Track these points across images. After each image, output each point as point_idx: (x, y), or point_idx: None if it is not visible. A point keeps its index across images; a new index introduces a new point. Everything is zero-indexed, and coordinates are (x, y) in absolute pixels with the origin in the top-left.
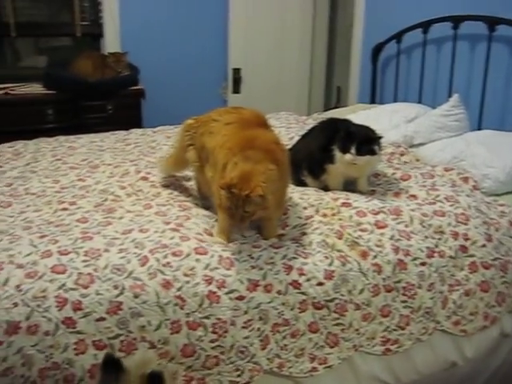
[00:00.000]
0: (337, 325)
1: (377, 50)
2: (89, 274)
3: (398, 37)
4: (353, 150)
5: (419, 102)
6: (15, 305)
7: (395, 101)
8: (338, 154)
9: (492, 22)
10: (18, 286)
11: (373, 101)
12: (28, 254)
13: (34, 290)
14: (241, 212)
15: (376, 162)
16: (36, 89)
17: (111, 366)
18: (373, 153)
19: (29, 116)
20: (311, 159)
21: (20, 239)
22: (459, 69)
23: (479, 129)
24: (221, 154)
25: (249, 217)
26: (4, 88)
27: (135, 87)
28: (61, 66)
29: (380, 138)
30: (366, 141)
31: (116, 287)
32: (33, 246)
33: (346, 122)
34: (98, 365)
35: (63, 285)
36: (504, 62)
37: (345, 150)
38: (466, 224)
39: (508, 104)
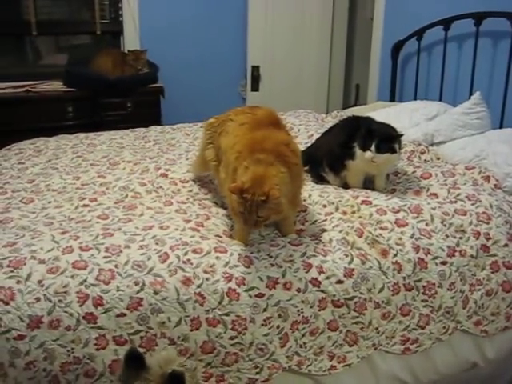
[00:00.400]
0: (356, 323)
1: (397, 47)
2: (110, 269)
3: (418, 34)
4: (373, 148)
5: (440, 99)
6: (37, 299)
7: (415, 99)
8: (358, 151)
9: None
10: (40, 281)
11: (392, 99)
12: (50, 250)
13: (55, 285)
14: (254, 217)
15: (395, 160)
16: (56, 86)
17: (134, 361)
18: (393, 151)
19: (49, 113)
20: (332, 155)
21: (42, 235)
22: (481, 66)
23: (501, 127)
24: (231, 156)
25: (263, 221)
26: (25, 85)
27: (154, 85)
28: (81, 63)
29: (400, 135)
30: (386, 139)
31: (136, 283)
32: (54, 242)
33: (368, 119)
34: (119, 360)
35: (84, 280)
36: None
37: (365, 148)
38: (487, 223)
39: None
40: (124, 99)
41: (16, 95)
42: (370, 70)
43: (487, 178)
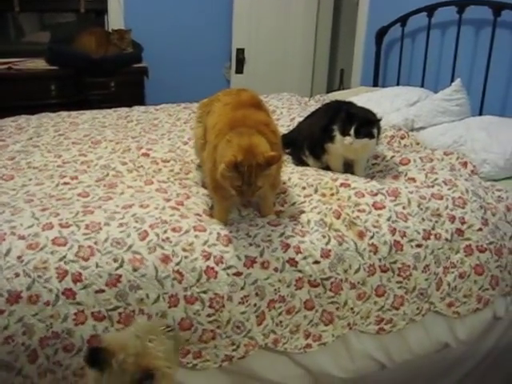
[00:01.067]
0: (332, 303)
1: (381, 33)
2: (89, 246)
3: (402, 20)
4: (352, 132)
5: (422, 86)
6: (16, 275)
7: (398, 84)
8: (337, 135)
9: (497, 7)
10: (19, 257)
11: (375, 84)
12: (30, 226)
13: (35, 261)
14: (252, 188)
15: (373, 146)
16: (39, 64)
17: (95, 356)
18: (371, 136)
19: (32, 91)
20: (312, 139)
21: (22, 211)
22: (463, 54)
23: (481, 114)
24: (212, 135)
25: (258, 189)
26: (7, 63)
27: (138, 65)
28: (64, 41)
29: (379, 120)
30: (365, 123)
31: (116, 260)
32: (34, 219)
33: (349, 104)
34: (97, 335)
35: (64, 257)
36: (508, 48)
37: (344, 133)
38: (463, 208)
39: (510, 90)
40: (107, 79)
41: None
42: (354, 55)
43: (464, 164)
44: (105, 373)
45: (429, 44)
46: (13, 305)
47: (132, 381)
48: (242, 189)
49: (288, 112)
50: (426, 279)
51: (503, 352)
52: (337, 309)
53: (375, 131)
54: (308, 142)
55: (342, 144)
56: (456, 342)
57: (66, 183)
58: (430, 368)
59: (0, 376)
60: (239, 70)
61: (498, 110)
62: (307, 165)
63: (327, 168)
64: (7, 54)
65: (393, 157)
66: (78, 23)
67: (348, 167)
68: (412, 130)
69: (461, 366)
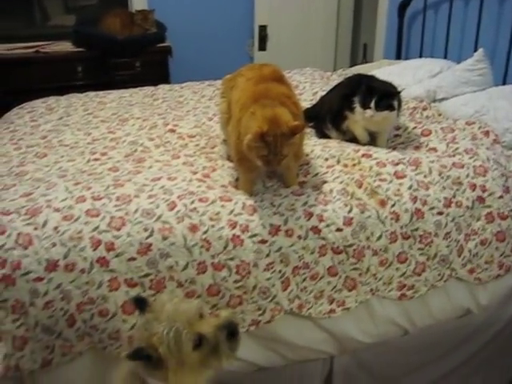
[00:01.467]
0: (355, 269)
1: (403, 5)
2: (120, 217)
3: None
4: (372, 105)
5: (445, 57)
6: (53, 245)
7: (421, 57)
8: (358, 108)
9: None
10: (55, 228)
11: (398, 57)
12: (64, 199)
13: (70, 231)
14: (278, 157)
15: (394, 118)
16: (66, 47)
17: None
18: (392, 108)
19: (59, 73)
20: (333, 111)
21: (56, 186)
22: (486, 24)
23: (504, 84)
24: (236, 109)
25: (283, 158)
26: (34, 46)
27: (162, 44)
28: (89, 24)
29: (399, 92)
30: (385, 96)
31: (146, 230)
32: (68, 192)
33: (370, 77)
34: (130, 301)
35: (97, 227)
36: None
37: (365, 106)
38: (484, 176)
39: None
40: (132, 59)
41: (26, 55)
42: (377, 29)
43: (486, 133)
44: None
45: (451, 15)
46: (51, 272)
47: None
48: (268, 158)
49: (311, 86)
50: (447, 246)
51: None
52: (359, 275)
53: (395, 103)
54: (329, 115)
55: (363, 117)
56: (478, 308)
57: (96, 159)
58: (452, 334)
59: (42, 338)
60: (262, 47)
61: None
62: (330, 138)
63: (349, 140)
64: (33, 37)
65: (414, 128)
66: (102, 5)
67: (371, 140)
68: (434, 101)
69: (483, 332)
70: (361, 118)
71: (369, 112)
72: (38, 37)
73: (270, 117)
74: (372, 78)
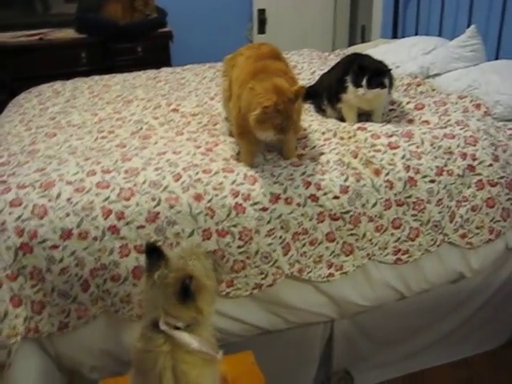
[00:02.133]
0: (351, 235)
1: None
2: (129, 188)
3: None
4: (364, 83)
5: (439, 35)
6: (67, 214)
7: (417, 35)
8: (350, 86)
9: None
10: (68, 199)
11: (395, 37)
12: (75, 173)
13: (82, 202)
14: (290, 122)
15: (386, 95)
16: (69, 34)
17: (153, 253)
18: (383, 86)
19: (63, 59)
20: (330, 89)
21: (67, 162)
22: (479, 2)
23: (497, 59)
24: (236, 86)
25: (293, 123)
26: (38, 34)
27: (163, 29)
28: (91, 10)
29: (389, 70)
30: (376, 73)
31: (153, 199)
32: (79, 167)
33: (364, 56)
34: (140, 266)
35: (107, 198)
36: None
37: (357, 84)
38: (474, 145)
39: None
40: (134, 44)
41: (30, 43)
42: (373, 9)
43: (478, 106)
44: (154, 275)
45: None
46: (65, 240)
47: (174, 286)
48: (282, 126)
49: (309, 66)
50: (440, 212)
51: None
52: (356, 240)
53: (386, 81)
54: (326, 92)
55: (356, 95)
56: (470, 272)
57: (103, 137)
58: (448, 299)
59: (58, 303)
60: (261, 31)
61: None
62: (326, 113)
63: (342, 119)
64: (36, 25)
65: (408, 103)
66: None
67: (366, 119)
68: (428, 77)
69: (477, 296)
70: (353, 96)
71: (361, 90)
72: (39, 25)
73: (273, 87)
74: (366, 56)
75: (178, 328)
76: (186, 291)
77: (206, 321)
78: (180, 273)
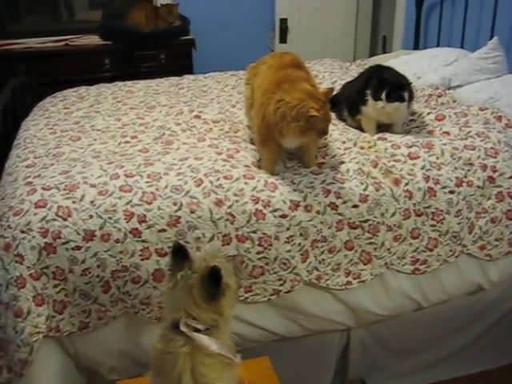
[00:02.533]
0: (370, 244)
1: None
2: (151, 192)
3: None
4: (383, 97)
5: (461, 47)
6: (90, 216)
7: (438, 47)
8: (370, 100)
9: None
10: (92, 202)
11: (416, 48)
12: (99, 176)
13: (105, 204)
14: (329, 122)
15: (405, 109)
16: (93, 40)
17: (178, 253)
18: (402, 99)
19: (88, 65)
20: (350, 100)
21: (91, 165)
22: (502, 13)
23: None
24: (258, 94)
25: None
26: (64, 40)
27: (186, 37)
28: (115, 17)
29: (409, 84)
30: (395, 87)
31: (175, 204)
32: (102, 170)
33: (385, 69)
34: (161, 269)
35: (130, 201)
36: None
37: (376, 97)
38: (494, 157)
39: None
40: (157, 51)
41: (56, 49)
42: (395, 20)
43: (499, 118)
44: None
45: (468, 4)
46: (88, 242)
47: (200, 283)
48: (324, 128)
49: (330, 76)
50: (459, 223)
51: None
52: (374, 249)
53: (406, 95)
54: (347, 103)
55: (375, 108)
56: (488, 284)
57: (127, 142)
58: (465, 310)
59: (80, 303)
60: (283, 40)
61: None
62: (346, 122)
63: (362, 129)
64: (61, 32)
65: (429, 113)
66: (126, 1)
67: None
68: (449, 88)
69: (495, 309)
70: (372, 109)
71: (380, 103)
72: (65, 32)
73: (306, 94)
74: (387, 69)
75: (197, 330)
76: (215, 282)
77: (226, 324)
78: (204, 271)
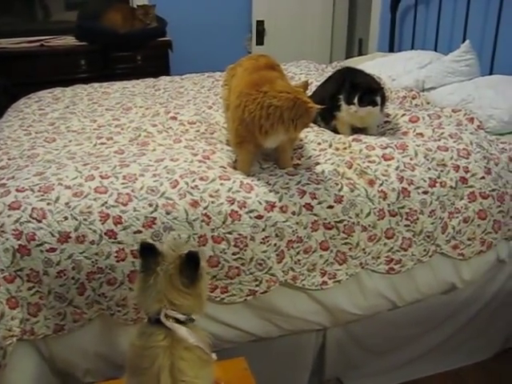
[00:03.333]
0: (345, 244)
1: (396, 0)
2: (127, 193)
3: None
4: (355, 101)
5: (435, 50)
6: (65, 218)
7: (412, 50)
8: (343, 104)
9: None
10: (67, 203)
11: (391, 50)
12: (74, 178)
13: (80, 206)
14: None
15: (378, 113)
16: (69, 41)
17: (147, 251)
18: (374, 104)
19: (63, 66)
20: (323, 105)
21: (66, 166)
22: (474, 17)
23: (491, 74)
24: (234, 96)
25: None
26: (39, 40)
27: (163, 38)
28: (91, 18)
29: (382, 88)
30: (368, 92)
31: (151, 205)
32: (77, 172)
33: (357, 72)
34: (136, 271)
35: (105, 202)
36: None
37: (349, 102)
38: (467, 158)
39: None
40: (134, 52)
41: (31, 49)
42: (371, 23)
43: (471, 120)
44: (150, 275)
45: (441, 9)
46: (63, 244)
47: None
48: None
49: (306, 77)
50: (432, 223)
51: (509, 295)
52: (350, 249)
53: (378, 99)
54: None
55: (348, 113)
56: (462, 283)
57: (102, 143)
58: (440, 309)
59: (55, 305)
60: (260, 42)
61: (508, 70)
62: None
63: (335, 131)
64: (37, 32)
65: (403, 115)
66: (103, 1)
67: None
68: (423, 90)
69: (468, 307)
70: (346, 113)
71: (353, 108)
72: (40, 32)
73: (291, 90)
74: (359, 72)
75: (178, 322)
76: (194, 266)
77: (202, 309)
78: (179, 259)
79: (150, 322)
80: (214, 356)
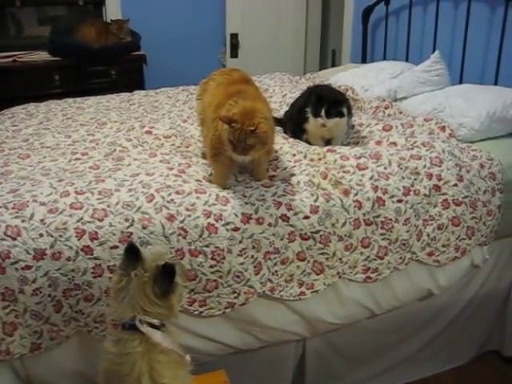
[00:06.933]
0: (322, 254)
1: (367, 12)
2: (103, 209)
3: None
4: (323, 113)
5: (406, 60)
6: (41, 235)
7: (384, 60)
8: (311, 117)
9: None
10: (42, 220)
11: (364, 61)
12: (49, 194)
13: (56, 222)
14: (243, 144)
15: (345, 124)
16: (42, 56)
17: (131, 253)
18: (341, 115)
19: (37, 82)
20: (292, 122)
21: (40, 183)
22: (443, 28)
23: (460, 83)
24: (210, 111)
25: (250, 149)
26: (11, 56)
27: (137, 53)
28: (65, 33)
29: (347, 100)
30: (334, 104)
31: (127, 220)
32: (52, 188)
33: (324, 87)
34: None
35: (81, 218)
36: (483, 21)
37: (316, 114)
38: (439, 166)
39: (487, 60)
40: (108, 67)
41: (3, 65)
42: (343, 35)
43: (443, 128)
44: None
45: (411, 21)
46: (39, 261)
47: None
48: (234, 143)
49: (280, 89)
50: (407, 231)
51: (484, 300)
52: (326, 259)
53: (345, 110)
54: (290, 125)
55: (316, 125)
56: (438, 289)
57: (77, 159)
58: (417, 316)
59: (31, 324)
60: (234, 55)
61: (477, 79)
62: None
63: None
64: (9, 48)
65: (377, 124)
66: (76, 16)
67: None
68: (395, 100)
69: (444, 313)
70: (314, 125)
71: (320, 120)
72: (13, 47)
73: (247, 108)
74: (326, 87)
75: (152, 327)
76: (168, 279)
77: (173, 319)
78: (156, 270)
79: (124, 328)
80: (187, 357)
